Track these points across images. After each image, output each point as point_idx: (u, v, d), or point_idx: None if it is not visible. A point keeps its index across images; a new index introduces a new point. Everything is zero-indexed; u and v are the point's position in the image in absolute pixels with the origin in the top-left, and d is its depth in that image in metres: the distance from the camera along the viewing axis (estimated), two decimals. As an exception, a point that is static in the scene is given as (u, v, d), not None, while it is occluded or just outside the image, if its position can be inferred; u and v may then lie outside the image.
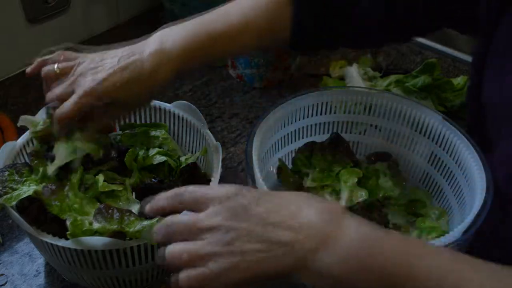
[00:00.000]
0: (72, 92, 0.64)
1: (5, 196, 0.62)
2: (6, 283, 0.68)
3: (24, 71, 0.71)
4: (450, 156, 0.71)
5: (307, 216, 0.47)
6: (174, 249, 0.47)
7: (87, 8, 1.10)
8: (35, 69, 0.70)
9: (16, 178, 0.64)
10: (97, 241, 0.58)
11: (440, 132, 0.72)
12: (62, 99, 0.65)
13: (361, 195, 0.71)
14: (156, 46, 0.65)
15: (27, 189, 0.63)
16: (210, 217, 0.47)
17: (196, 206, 0.49)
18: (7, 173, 0.64)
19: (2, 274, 0.69)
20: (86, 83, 0.63)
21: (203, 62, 0.69)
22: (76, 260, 0.61)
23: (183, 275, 0.46)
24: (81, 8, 1.08)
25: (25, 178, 0.65)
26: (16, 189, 0.63)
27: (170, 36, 0.65)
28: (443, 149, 0.72)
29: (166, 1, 1.10)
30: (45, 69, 0.68)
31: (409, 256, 0.45)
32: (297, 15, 0.69)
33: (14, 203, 0.61)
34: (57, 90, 0.66)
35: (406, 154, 0.78)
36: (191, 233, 0.47)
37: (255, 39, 0.69)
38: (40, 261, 0.71)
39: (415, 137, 0.76)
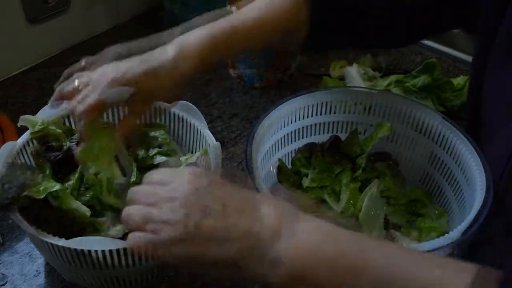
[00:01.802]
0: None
1: (33, 188, 0.62)
2: (6, 283, 0.68)
3: (24, 71, 0.70)
4: (450, 156, 0.71)
5: (266, 209, 0.48)
6: (130, 209, 0.49)
7: (87, 8, 1.10)
8: (57, 97, 0.68)
9: (28, 173, 0.65)
10: (97, 241, 0.58)
11: (440, 132, 0.72)
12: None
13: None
14: (178, 42, 0.65)
15: (53, 184, 0.64)
16: (171, 190, 0.48)
17: (160, 183, 0.50)
18: (17, 167, 0.65)
19: (2, 274, 0.69)
20: (110, 75, 0.64)
21: (222, 57, 0.69)
22: (76, 260, 0.61)
23: (133, 235, 0.48)
24: (81, 8, 1.08)
25: (42, 175, 0.66)
26: (38, 184, 0.63)
27: (190, 34, 0.66)
28: (443, 149, 0.72)
29: (166, 1, 1.10)
30: (66, 88, 0.66)
31: (361, 244, 0.46)
32: (313, 12, 0.70)
33: (42, 196, 0.62)
34: (79, 95, 0.65)
35: (406, 154, 0.78)
36: (151, 200, 0.49)
37: (272, 36, 0.70)
38: (40, 261, 0.71)
39: (415, 137, 0.76)
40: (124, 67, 0.64)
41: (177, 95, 0.74)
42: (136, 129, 0.70)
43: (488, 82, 0.66)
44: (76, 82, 0.66)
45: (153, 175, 0.52)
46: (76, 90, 0.65)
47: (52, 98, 0.68)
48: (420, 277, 0.43)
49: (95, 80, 0.64)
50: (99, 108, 0.64)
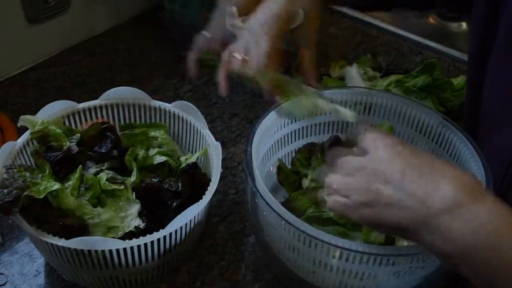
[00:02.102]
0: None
1: (32, 188, 0.63)
2: (6, 283, 0.68)
3: (24, 71, 0.70)
4: (450, 156, 0.71)
5: (446, 183, 0.48)
6: (329, 178, 0.55)
7: (87, 8, 1.09)
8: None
9: (26, 174, 0.65)
10: (97, 241, 0.58)
11: (440, 132, 0.72)
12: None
13: None
14: None
15: (52, 183, 0.64)
16: (367, 159, 0.52)
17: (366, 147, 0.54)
18: (15, 169, 0.64)
19: (2, 274, 0.69)
20: (259, 21, 0.66)
21: None
22: (76, 260, 0.61)
23: (331, 199, 0.54)
24: (81, 8, 1.08)
25: (42, 175, 0.66)
26: (38, 184, 0.64)
27: None
28: (443, 149, 0.72)
29: (166, 1, 1.10)
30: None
31: None
32: None
33: (42, 196, 0.63)
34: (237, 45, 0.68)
35: (406, 154, 0.78)
36: (344, 169, 0.54)
37: None
38: (40, 261, 0.71)
39: (415, 137, 0.76)
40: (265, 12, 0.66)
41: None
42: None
43: (488, 82, 0.66)
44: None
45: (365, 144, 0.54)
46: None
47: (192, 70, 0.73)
48: None
49: (243, 40, 0.67)
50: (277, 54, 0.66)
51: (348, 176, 0.53)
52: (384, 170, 0.51)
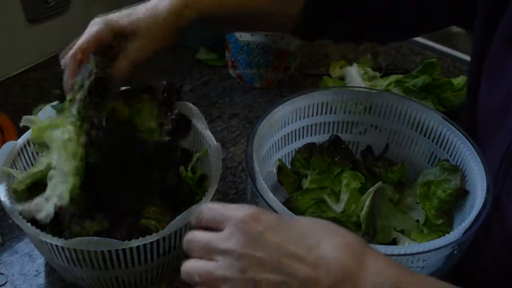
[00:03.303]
0: None
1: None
2: (6, 283, 0.68)
3: (24, 71, 0.70)
4: (450, 156, 0.71)
5: (326, 251, 0.44)
6: (188, 266, 0.48)
7: (87, 8, 1.09)
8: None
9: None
10: (97, 241, 0.58)
11: (440, 132, 0.72)
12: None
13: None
14: None
15: None
16: (225, 240, 0.46)
17: (213, 224, 0.48)
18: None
19: (2, 274, 0.69)
20: (90, 22, 0.65)
21: (215, 6, 0.68)
22: (76, 260, 0.61)
23: None
24: (81, 8, 1.08)
25: None
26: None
27: None
28: (443, 149, 0.72)
29: (166, 1, 1.10)
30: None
31: None
32: None
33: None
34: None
35: (406, 154, 0.78)
36: (206, 252, 0.47)
37: (268, 3, 0.71)
38: (40, 261, 0.71)
39: (415, 137, 0.76)
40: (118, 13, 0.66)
41: (165, 39, 0.68)
42: (129, 76, 0.67)
43: (484, 81, 0.66)
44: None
45: (203, 214, 0.49)
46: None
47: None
48: None
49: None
50: (89, 47, 0.63)
51: (211, 262, 0.46)
52: (255, 253, 0.44)
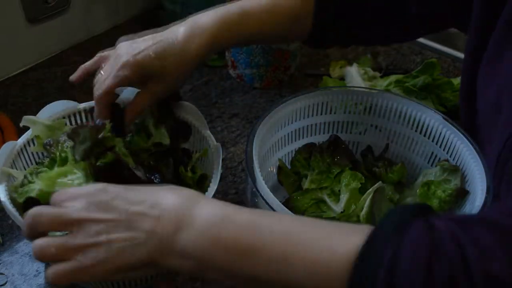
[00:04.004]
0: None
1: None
2: (6, 283, 0.68)
3: (24, 71, 0.71)
4: (450, 156, 0.71)
5: (166, 203, 0.49)
6: (41, 243, 0.49)
7: (87, 8, 1.10)
8: (80, 76, 0.74)
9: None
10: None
11: (440, 132, 0.72)
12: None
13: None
14: (190, 22, 0.68)
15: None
16: (76, 211, 0.49)
17: (64, 204, 0.50)
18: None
19: (2, 274, 0.69)
20: (122, 58, 0.66)
21: (232, 40, 0.71)
22: (76, 260, 0.61)
23: (50, 270, 0.48)
24: (81, 8, 1.08)
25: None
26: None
27: (203, 15, 0.69)
28: (443, 149, 0.72)
29: (166, 1, 1.10)
30: (86, 66, 0.73)
31: (259, 226, 0.47)
32: (318, 3, 0.73)
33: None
34: (98, 78, 0.69)
35: (406, 154, 0.78)
36: (58, 224, 0.49)
37: (281, 22, 0.72)
38: (40, 261, 0.71)
39: (415, 137, 0.76)
40: (137, 48, 0.67)
41: (187, 76, 0.72)
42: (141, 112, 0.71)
43: (480, 80, 0.66)
44: (96, 57, 0.72)
45: (54, 197, 0.52)
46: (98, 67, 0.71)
47: (75, 73, 0.73)
48: (311, 246, 0.44)
49: (109, 63, 0.68)
50: (112, 91, 0.68)
51: (65, 236, 0.49)
52: (103, 216, 0.48)
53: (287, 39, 0.87)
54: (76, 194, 0.51)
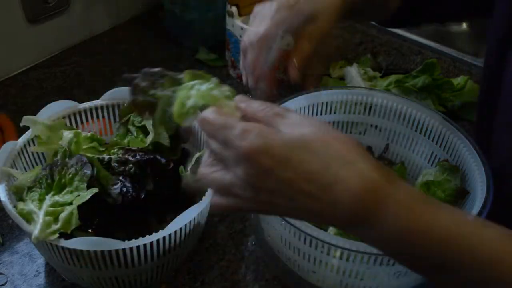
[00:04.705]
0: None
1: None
2: (6, 283, 0.68)
3: (24, 71, 0.70)
4: (450, 156, 0.71)
5: (342, 193, 0.42)
6: (212, 174, 0.46)
7: (87, 8, 1.09)
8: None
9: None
10: (97, 241, 0.58)
11: (440, 132, 0.72)
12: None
13: None
14: None
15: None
16: (234, 164, 0.44)
17: (216, 139, 0.46)
18: None
19: (2, 274, 0.69)
20: (274, 3, 0.67)
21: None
22: (76, 260, 0.61)
23: (217, 200, 0.47)
24: (81, 8, 1.08)
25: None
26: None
27: None
28: (443, 149, 0.72)
29: (166, 1, 1.10)
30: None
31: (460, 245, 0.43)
32: None
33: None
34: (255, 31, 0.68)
35: (406, 154, 0.78)
36: (217, 158, 0.46)
37: None
38: (40, 261, 0.71)
39: (415, 137, 0.76)
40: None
41: (336, 19, 0.70)
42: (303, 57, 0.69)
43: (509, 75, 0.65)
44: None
45: (202, 126, 0.47)
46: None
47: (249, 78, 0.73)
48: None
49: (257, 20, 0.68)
50: (267, 37, 0.67)
51: (228, 176, 0.45)
52: (264, 185, 0.43)
53: (381, 13, 0.82)
54: (229, 141, 0.44)
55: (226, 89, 0.53)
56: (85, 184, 0.62)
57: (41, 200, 0.63)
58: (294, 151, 0.43)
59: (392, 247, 0.44)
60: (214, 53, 1.09)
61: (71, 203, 0.61)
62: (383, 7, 0.79)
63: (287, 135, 0.44)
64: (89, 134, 0.72)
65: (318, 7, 0.68)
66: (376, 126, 0.79)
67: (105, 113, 0.79)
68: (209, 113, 0.47)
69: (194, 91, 0.53)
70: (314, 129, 0.44)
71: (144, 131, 0.74)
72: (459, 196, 0.67)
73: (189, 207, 0.62)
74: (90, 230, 0.64)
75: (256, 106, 0.47)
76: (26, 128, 0.71)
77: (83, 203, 0.60)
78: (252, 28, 0.68)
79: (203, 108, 0.50)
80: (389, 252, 0.46)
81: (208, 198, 0.65)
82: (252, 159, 0.43)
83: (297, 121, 0.45)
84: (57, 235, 0.59)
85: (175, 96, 0.54)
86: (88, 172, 0.63)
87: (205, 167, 0.47)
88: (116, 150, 0.70)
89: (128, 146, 0.72)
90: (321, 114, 0.78)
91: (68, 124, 0.76)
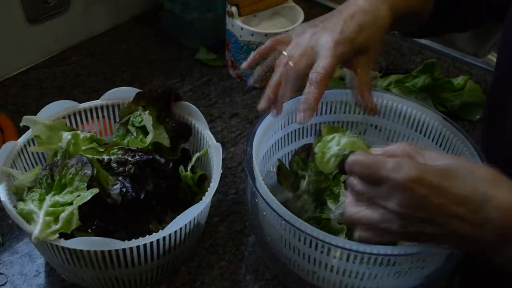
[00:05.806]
0: (311, 59, 0.67)
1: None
2: (6, 283, 0.68)
3: (24, 71, 0.70)
4: (450, 156, 0.71)
5: (492, 212, 0.45)
6: (350, 208, 0.51)
7: (87, 8, 1.09)
8: (252, 61, 0.74)
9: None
10: (97, 241, 0.58)
11: (440, 132, 0.72)
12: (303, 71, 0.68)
13: None
14: None
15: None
16: (385, 199, 0.47)
17: (366, 180, 0.49)
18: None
19: (2, 274, 0.69)
20: (329, 37, 0.65)
21: (403, 8, 0.72)
22: (76, 260, 0.61)
23: (364, 234, 0.51)
24: (81, 8, 1.08)
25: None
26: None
27: None
28: (443, 149, 0.72)
29: (166, 1, 1.10)
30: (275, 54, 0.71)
31: None
32: None
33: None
34: (297, 65, 0.68)
35: (406, 154, 0.78)
36: (365, 200, 0.50)
37: (422, 3, 0.76)
38: (40, 261, 0.71)
39: (415, 137, 0.76)
40: (339, 25, 0.66)
41: (381, 45, 0.72)
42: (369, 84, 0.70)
43: None
44: (270, 41, 0.71)
45: (354, 169, 0.50)
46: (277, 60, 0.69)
47: (247, 60, 0.73)
48: None
49: (295, 45, 0.68)
50: (333, 70, 0.66)
51: (376, 214, 0.49)
52: (418, 214, 0.46)
53: (417, 20, 0.82)
54: (384, 177, 0.47)
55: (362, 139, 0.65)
56: (86, 184, 0.62)
57: (41, 200, 0.62)
58: (445, 178, 0.46)
59: None
60: (214, 53, 1.09)
61: (71, 203, 0.61)
62: (418, 18, 0.79)
63: (436, 165, 0.48)
64: (88, 135, 0.72)
65: (369, 36, 0.67)
66: (376, 126, 0.79)
67: (105, 113, 0.79)
68: (359, 155, 0.50)
69: (334, 142, 0.66)
70: (456, 160, 0.51)
71: (144, 131, 0.74)
72: None
73: (189, 207, 0.62)
74: (90, 230, 0.64)
75: (393, 148, 0.52)
76: (26, 128, 0.71)
77: (83, 203, 0.60)
78: (283, 56, 0.68)
79: (345, 156, 0.54)
80: None
81: (208, 198, 0.65)
82: (409, 188, 0.45)
83: (436, 155, 0.50)
84: (57, 235, 0.59)
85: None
86: (89, 172, 0.63)
87: (351, 208, 0.51)
88: (115, 150, 0.70)
89: (128, 146, 0.72)
90: (321, 114, 0.78)
91: (68, 124, 0.76)
